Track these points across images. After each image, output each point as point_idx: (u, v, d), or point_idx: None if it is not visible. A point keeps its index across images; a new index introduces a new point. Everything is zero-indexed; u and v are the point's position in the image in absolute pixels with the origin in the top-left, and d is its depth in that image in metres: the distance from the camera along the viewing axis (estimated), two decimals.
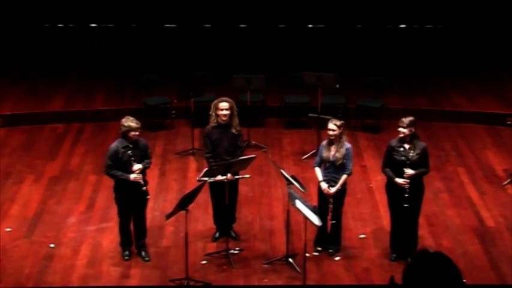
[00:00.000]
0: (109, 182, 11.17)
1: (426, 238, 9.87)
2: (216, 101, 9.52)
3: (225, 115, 9.36)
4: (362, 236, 9.70)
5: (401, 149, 8.98)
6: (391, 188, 9.11)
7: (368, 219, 10.27)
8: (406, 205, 8.92)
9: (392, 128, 12.94)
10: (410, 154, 8.94)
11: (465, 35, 15.57)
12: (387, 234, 9.86)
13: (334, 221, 9.19)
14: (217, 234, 9.82)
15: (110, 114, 13.27)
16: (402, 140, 9.00)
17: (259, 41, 15.36)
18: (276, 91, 13.48)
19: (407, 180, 8.89)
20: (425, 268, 3.12)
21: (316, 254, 9.43)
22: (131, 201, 9.22)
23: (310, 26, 15.70)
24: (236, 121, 9.53)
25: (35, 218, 10.34)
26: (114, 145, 9.15)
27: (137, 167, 9.04)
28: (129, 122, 9.09)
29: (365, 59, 14.84)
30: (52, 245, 9.73)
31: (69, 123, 13.16)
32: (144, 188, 9.11)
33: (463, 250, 9.62)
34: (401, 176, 8.90)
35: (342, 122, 9.24)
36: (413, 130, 9.00)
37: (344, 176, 9.13)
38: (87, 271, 9.23)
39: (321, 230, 9.31)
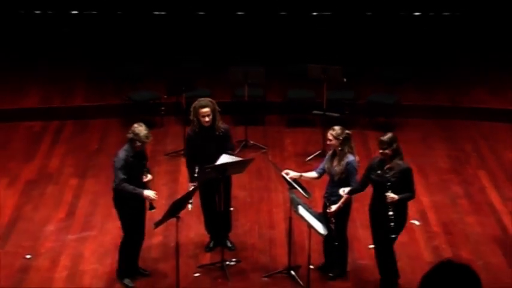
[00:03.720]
0: (91, 187, 11.25)
1: (443, 248, 9.92)
2: (196, 105, 9.49)
3: (207, 121, 9.40)
4: (371, 246, 9.74)
5: (379, 171, 8.72)
6: (374, 209, 8.92)
7: None
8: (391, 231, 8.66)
9: (407, 126, 13.03)
10: (387, 175, 8.66)
11: (487, 23, 15.60)
12: (401, 245, 9.91)
13: (336, 243, 9.08)
14: (211, 244, 9.87)
15: (92, 111, 13.32)
16: (384, 161, 8.73)
17: (258, 30, 15.39)
18: (277, 85, 13.51)
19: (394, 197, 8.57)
20: (446, 279, 3.15)
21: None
22: (137, 214, 9.15)
23: (314, 13, 15.72)
24: (219, 123, 9.56)
25: (9, 225, 10.37)
26: (122, 155, 8.91)
27: (149, 177, 9.06)
28: (142, 133, 8.90)
29: (376, 49, 14.86)
30: (28, 256, 9.75)
31: (46, 120, 13.19)
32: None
33: (484, 262, 9.65)
34: (381, 200, 8.64)
35: (345, 132, 9.06)
36: (395, 147, 8.67)
37: (345, 195, 8.86)
38: (67, 285, 9.25)
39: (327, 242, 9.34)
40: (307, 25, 15.70)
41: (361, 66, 13.74)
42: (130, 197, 8.94)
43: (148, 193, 8.92)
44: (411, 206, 10.74)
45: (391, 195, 8.54)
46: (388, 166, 8.66)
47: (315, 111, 12.24)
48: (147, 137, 8.93)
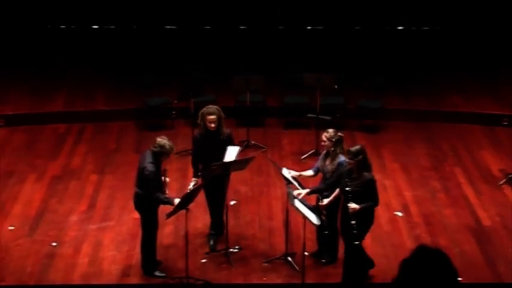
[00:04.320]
0: (109, 182, 11.25)
1: (424, 237, 9.91)
2: (204, 111, 9.44)
3: (213, 126, 9.37)
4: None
5: (347, 179, 8.53)
6: (342, 215, 8.75)
7: None
8: (355, 238, 8.47)
9: (390, 128, 13.04)
10: (351, 185, 8.44)
11: (462, 37, 15.60)
12: (386, 235, 9.94)
13: (326, 232, 9.05)
14: (211, 242, 9.77)
15: (111, 115, 13.31)
16: (352, 170, 8.55)
17: (259, 42, 15.38)
18: (276, 92, 13.49)
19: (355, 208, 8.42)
20: (422, 264, 3.16)
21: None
22: (156, 213, 9.07)
23: (309, 27, 15.72)
24: (223, 128, 9.53)
25: (37, 217, 10.37)
26: (152, 167, 8.71)
27: (167, 180, 9.01)
28: (168, 145, 8.76)
29: (364, 60, 14.86)
30: (54, 244, 9.76)
31: (70, 123, 13.14)
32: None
33: (460, 249, 9.66)
34: (346, 207, 8.50)
35: (338, 134, 9.01)
36: (361, 158, 8.46)
37: (337, 190, 8.81)
38: (89, 269, 9.27)
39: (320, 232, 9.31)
40: (302, 38, 15.69)
41: (350, 74, 13.74)
42: (158, 202, 8.88)
43: (177, 201, 8.76)
44: (395, 199, 10.83)
45: (352, 205, 8.41)
46: (354, 176, 8.49)
47: (309, 115, 12.22)
48: (172, 148, 8.86)
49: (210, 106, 9.56)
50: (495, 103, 13.54)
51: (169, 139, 8.95)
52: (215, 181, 9.41)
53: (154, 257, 9.21)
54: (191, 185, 9.30)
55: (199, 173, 9.48)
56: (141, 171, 8.85)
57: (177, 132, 12.65)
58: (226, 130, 9.57)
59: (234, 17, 15.74)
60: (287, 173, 9.27)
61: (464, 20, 15.54)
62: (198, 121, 9.52)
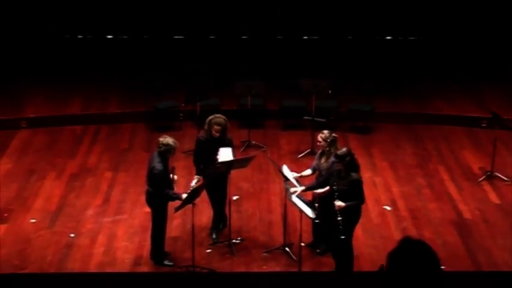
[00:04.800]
0: (122, 179, 11.27)
1: (410, 230, 9.91)
2: (212, 119, 9.37)
3: (217, 135, 9.34)
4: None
5: (336, 178, 8.52)
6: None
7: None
8: (341, 233, 8.40)
9: (380, 129, 13.04)
10: (336, 184, 8.42)
11: (446, 46, 15.60)
12: (375, 227, 9.93)
13: (317, 221, 8.96)
14: (214, 235, 9.73)
15: (123, 117, 13.33)
16: (340, 170, 8.51)
17: (259, 51, 15.38)
18: (275, 96, 13.49)
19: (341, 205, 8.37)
20: (408, 255, 3.16)
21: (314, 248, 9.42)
22: (166, 208, 9.07)
23: (305, 37, 15.73)
24: (227, 135, 9.52)
25: (56, 210, 10.40)
26: (161, 166, 8.69)
27: (175, 178, 8.99)
28: (171, 142, 8.72)
29: (355, 67, 14.87)
30: (72, 235, 9.78)
31: (86, 125, 13.16)
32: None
33: (443, 240, 9.67)
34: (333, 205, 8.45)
35: (332, 135, 9.00)
36: (348, 160, 8.39)
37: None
38: (104, 259, 9.29)
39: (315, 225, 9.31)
40: (299, 47, 15.69)
41: (343, 80, 13.75)
42: (168, 198, 8.89)
43: (184, 196, 8.77)
44: (384, 195, 10.83)
45: (338, 203, 8.36)
46: (342, 176, 8.48)
47: (305, 117, 12.23)
48: (175, 144, 8.82)
49: (219, 116, 9.45)
50: (475, 107, 13.54)
51: (171, 137, 8.96)
52: (216, 179, 9.42)
53: (163, 247, 9.21)
54: (194, 182, 9.28)
55: (207, 171, 9.46)
56: (150, 171, 8.85)
57: (184, 133, 12.66)
58: (227, 137, 9.57)
59: (237, 28, 15.75)
60: (287, 171, 9.26)
61: (448, 31, 15.55)
62: (205, 127, 9.48)
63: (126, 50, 15.71)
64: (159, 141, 8.85)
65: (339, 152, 8.49)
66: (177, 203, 8.76)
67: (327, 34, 15.60)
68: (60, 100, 13.82)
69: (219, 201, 9.71)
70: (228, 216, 9.68)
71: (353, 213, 8.54)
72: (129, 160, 11.86)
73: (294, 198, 8.73)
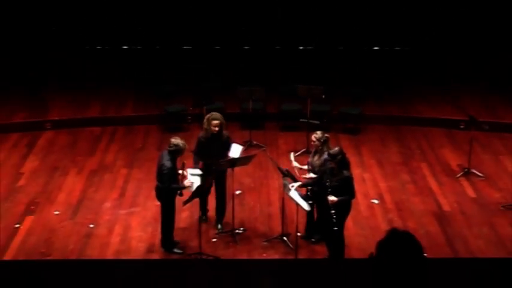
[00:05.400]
0: (137, 175, 11.27)
1: (395, 221, 9.92)
2: (209, 117, 9.41)
3: (216, 130, 9.36)
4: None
5: (329, 175, 8.50)
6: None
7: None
8: (334, 225, 8.39)
9: (368, 131, 13.04)
10: (329, 180, 8.39)
11: (428, 55, 15.59)
12: (364, 219, 9.92)
13: (308, 209, 8.93)
14: (219, 225, 9.74)
15: (138, 119, 13.33)
16: (333, 168, 8.49)
17: (260, 60, 15.38)
18: (274, 100, 13.50)
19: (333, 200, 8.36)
20: (395, 244, 3.16)
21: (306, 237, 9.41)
22: (174, 202, 9.06)
23: (301, 47, 15.72)
24: (224, 132, 9.52)
25: (77, 203, 10.41)
26: (169, 164, 8.70)
27: (185, 174, 8.95)
28: (181, 143, 8.72)
29: (346, 74, 14.84)
30: (91, 226, 9.80)
31: (104, 126, 13.17)
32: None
33: (425, 230, 9.67)
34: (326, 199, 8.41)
35: (325, 135, 9.00)
36: (340, 158, 8.38)
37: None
38: (119, 247, 9.31)
39: (309, 218, 9.29)
40: (295, 56, 15.69)
41: (335, 86, 13.72)
42: (173, 191, 8.87)
43: (187, 184, 8.82)
44: (372, 189, 10.83)
45: (331, 198, 8.35)
46: (334, 173, 8.46)
47: (301, 120, 12.23)
48: (185, 145, 8.83)
49: (215, 113, 9.54)
50: (454, 110, 13.53)
51: (181, 138, 8.96)
52: (217, 175, 9.42)
53: (172, 237, 9.21)
54: (188, 173, 9.11)
55: (212, 168, 9.45)
56: (160, 168, 8.86)
57: (191, 134, 12.59)
58: (225, 133, 9.57)
59: (239, 39, 15.74)
60: (293, 158, 9.25)
61: (429, 42, 15.53)
62: (204, 126, 9.49)
63: (140, 59, 15.71)
64: (170, 141, 8.86)
65: (331, 151, 8.48)
66: (185, 197, 8.76)
67: (320, 45, 15.60)
68: (80, 104, 13.84)
69: (220, 195, 9.71)
70: (229, 208, 9.68)
71: (344, 207, 8.54)
72: (143, 158, 11.86)
73: (291, 193, 8.72)
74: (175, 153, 8.80)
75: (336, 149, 8.55)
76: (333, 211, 8.36)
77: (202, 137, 9.54)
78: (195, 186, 8.84)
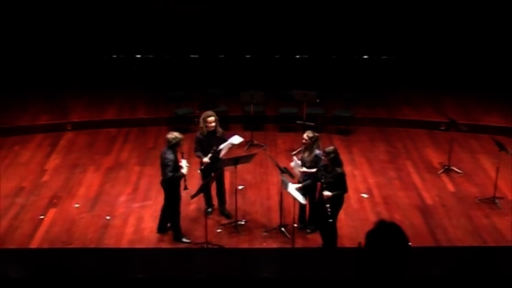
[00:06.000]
0: (149, 172, 11.27)
1: (383, 213, 9.93)
2: (204, 116, 9.42)
3: (212, 126, 9.37)
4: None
5: (323, 172, 8.54)
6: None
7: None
8: (329, 217, 8.41)
9: (359, 132, 13.05)
10: (324, 177, 8.42)
11: (412, 64, 15.60)
12: (355, 211, 9.93)
13: (303, 203, 8.99)
14: (226, 212, 9.81)
15: (149, 121, 13.33)
16: (327, 165, 8.56)
17: (260, 67, 15.39)
18: (272, 104, 13.49)
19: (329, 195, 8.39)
20: (383, 234, 3.18)
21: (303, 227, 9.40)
22: (179, 194, 9.04)
23: (297, 56, 15.73)
24: (219, 128, 9.52)
25: (95, 197, 10.43)
26: (172, 156, 8.71)
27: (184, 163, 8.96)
28: (178, 136, 8.77)
29: (338, 80, 14.87)
30: (108, 217, 9.81)
31: (119, 127, 13.17)
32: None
33: (410, 222, 9.68)
34: (321, 194, 8.46)
35: (315, 135, 9.06)
36: (333, 157, 8.44)
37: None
38: (133, 237, 9.32)
39: (301, 211, 9.30)
40: (292, 64, 15.69)
41: (328, 91, 13.74)
42: (177, 182, 8.86)
43: (184, 171, 8.83)
44: (362, 185, 10.84)
45: (325, 193, 8.39)
46: (328, 170, 8.50)
47: (298, 121, 12.25)
48: (180, 136, 8.87)
49: (208, 112, 9.55)
50: (435, 113, 13.54)
51: (175, 131, 9.01)
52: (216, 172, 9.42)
53: (179, 227, 9.17)
54: (183, 163, 9.01)
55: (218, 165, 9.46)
56: (163, 161, 8.85)
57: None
58: (220, 130, 9.57)
59: (242, 49, 15.75)
60: (296, 160, 9.24)
61: (413, 51, 15.54)
62: (200, 124, 9.50)
63: (152, 67, 15.72)
64: (167, 138, 8.86)
65: (326, 149, 8.56)
66: (193, 192, 8.76)
67: (315, 54, 15.60)
68: (98, 107, 13.84)
69: (220, 189, 9.73)
70: (232, 203, 9.70)
71: (338, 201, 8.56)
72: (154, 156, 11.83)
73: (288, 188, 8.74)
74: (176, 145, 8.81)
75: (331, 148, 8.61)
76: (328, 205, 8.37)
77: (200, 135, 9.53)
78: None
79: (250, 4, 15.33)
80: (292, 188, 8.73)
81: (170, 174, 8.74)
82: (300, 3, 15.33)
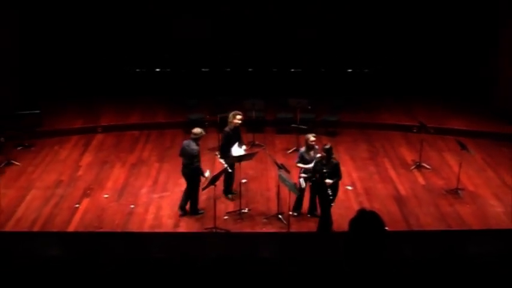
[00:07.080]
0: (167, 167, 11.27)
1: (364, 203, 9.92)
2: (234, 113, 9.71)
3: (240, 123, 9.63)
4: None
5: (322, 164, 8.68)
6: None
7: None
8: (330, 200, 8.65)
9: (344, 133, 13.03)
10: (324, 168, 8.61)
11: (389, 76, 15.54)
12: (341, 201, 9.90)
13: (299, 194, 9.02)
14: (230, 196, 9.84)
15: (167, 125, 13.32)
16: (323, 159, 8.71)
17: (261, 79, 15.36)
18: (271, 110, 13.48)
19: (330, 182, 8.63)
20: (363, 220, 3.19)
21: (295, 214, 9.40)
22: (199, 180, 9.25)
23: (292, 70, 15.71)
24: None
25: (121, 189, 10.43)
26: (196, 147, 9.03)
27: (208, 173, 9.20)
28: (200, 132, 9.08)
29: (327, 90, 14.82)
30: (132, 206, 9.82)
31: (141, 130, 13.17)
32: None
33: (387, 210, 9.68)
34: (322, 183, 8.63)
35: (330, 147, 9.05)
36: (329, 150, 8.67)
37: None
38: (153, 222, 9.33)
39: (298, 200, 9.32)
40: (288, 76, 15.64)
41: (318, 99, 13.69)
42: (199, 171, 9.07)
43: (206, 175, 9.08)
44: (347, 179, 10.76)
45: (328, 181, 8.55)
46: (325, 163, 8.63)
47: (292, 125, 12.24)
48: (204, 131, 9.18)
49: (237, 111, 9.83)
50: (408, 117, 13.52)
51: (200, 128, 9.23)
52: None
53: (197, 204, 9.38)
54: (207, 173, 9.25)
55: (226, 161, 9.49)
56: (189, 152, 9.04)
57: (208, 136, 12.45)
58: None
59: (245, 63, 15.70)
60: (301, 164, 9.20)
61: (389, 65, 15.48)
62: (230, 120, 9.63)
63: (169, 79, 15.70)
64: (193, 132, 9.14)
65: (325, 146, 8.77)
66: (204, 184, 8.78)
67: (307, 68, 15.57)
68: (124, 113, 13.83)
69: (229, 178, 9.78)
70: (238, 194, 9.71)
71: (336, 187, 8.77)
72: (171, 155, 11.86)
73: (285, 181, 8.74)
74: (199, 139, 9.11)
75: (328, 145, 8.81)
76: (330, 191, 8.53)
77: (229, 130, 9.64)
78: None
79: (251, 8, 15.28)
80: (285, 179, 8.72)
81: (197, 164, 8.94)
82: (289, 26, 15.26)
